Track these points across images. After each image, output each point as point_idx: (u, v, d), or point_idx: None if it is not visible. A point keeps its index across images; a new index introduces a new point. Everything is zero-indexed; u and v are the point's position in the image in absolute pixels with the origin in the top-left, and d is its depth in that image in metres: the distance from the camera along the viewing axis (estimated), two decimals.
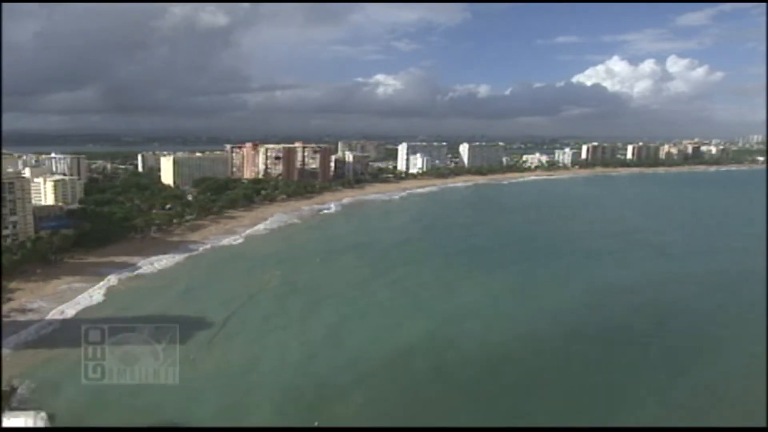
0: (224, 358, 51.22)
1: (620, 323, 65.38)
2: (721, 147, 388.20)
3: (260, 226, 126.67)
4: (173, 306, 67.52)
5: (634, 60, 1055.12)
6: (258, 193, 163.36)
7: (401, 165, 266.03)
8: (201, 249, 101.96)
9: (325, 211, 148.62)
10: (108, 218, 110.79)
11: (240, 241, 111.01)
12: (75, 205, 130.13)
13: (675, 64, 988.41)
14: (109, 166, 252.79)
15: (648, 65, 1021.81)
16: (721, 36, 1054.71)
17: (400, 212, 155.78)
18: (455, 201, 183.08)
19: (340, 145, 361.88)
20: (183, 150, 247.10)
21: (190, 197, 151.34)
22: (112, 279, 79.90)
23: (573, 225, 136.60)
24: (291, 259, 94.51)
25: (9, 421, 34.67)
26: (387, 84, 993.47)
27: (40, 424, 35.08)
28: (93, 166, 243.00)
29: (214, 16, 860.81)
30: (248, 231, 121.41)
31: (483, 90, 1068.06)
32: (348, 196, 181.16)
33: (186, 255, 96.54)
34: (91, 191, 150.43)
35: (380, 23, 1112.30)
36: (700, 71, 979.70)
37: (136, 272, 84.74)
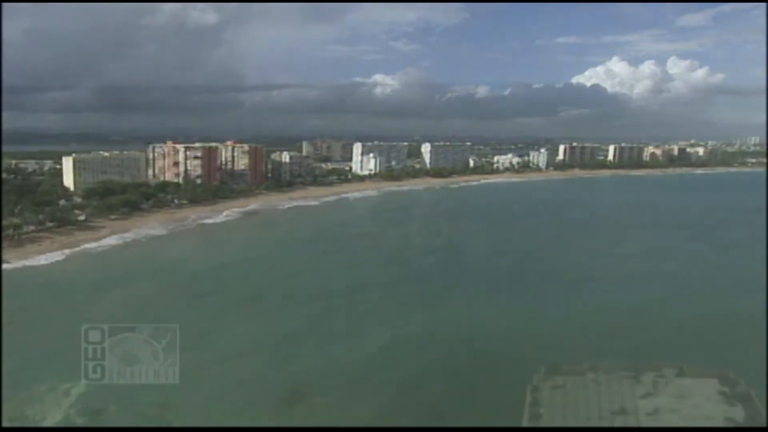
0: None
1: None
2: (710, 148, 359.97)
3: (110, 240, 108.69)
4: None
5: (634, 61, 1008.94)
6: (149, 198, 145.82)
7: (356, 166, 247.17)
8: None
9: (207, 221, 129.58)
10: None
11: (57, 260, 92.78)
12: None
13: (675, 66, 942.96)
14: (47, 166, 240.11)
15: (648, 66, 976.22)
16: (722, 37, 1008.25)
17: (299, 221, 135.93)
18: (377, 207, 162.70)
19: (304, 144, 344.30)
20: None
21: (62, 203, 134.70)
22: None
23: (480, 238, 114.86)
24: (76, 288, 75.76)
25: None
26: (385, 84, 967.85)
27: None
28: (21, 165, 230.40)
29: (203, 13, 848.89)
30: (89, 245, 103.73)
31: (482, 91, 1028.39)
32: (262, 202, 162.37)
33: None
34: None
35: (378, 23, 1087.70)
36: (700, 72, 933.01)
37: None
